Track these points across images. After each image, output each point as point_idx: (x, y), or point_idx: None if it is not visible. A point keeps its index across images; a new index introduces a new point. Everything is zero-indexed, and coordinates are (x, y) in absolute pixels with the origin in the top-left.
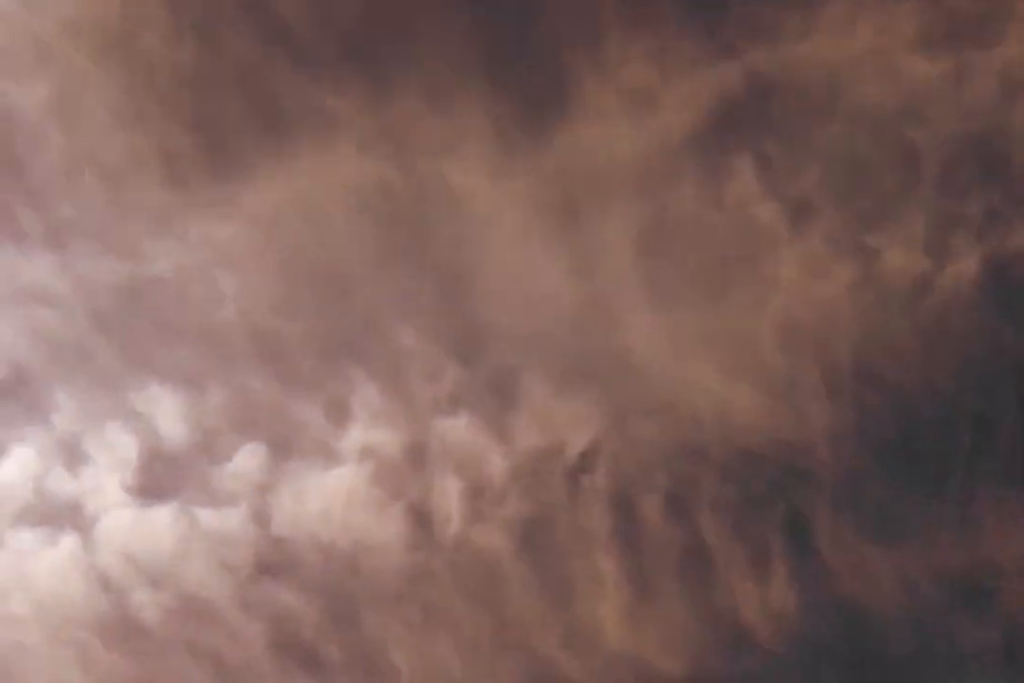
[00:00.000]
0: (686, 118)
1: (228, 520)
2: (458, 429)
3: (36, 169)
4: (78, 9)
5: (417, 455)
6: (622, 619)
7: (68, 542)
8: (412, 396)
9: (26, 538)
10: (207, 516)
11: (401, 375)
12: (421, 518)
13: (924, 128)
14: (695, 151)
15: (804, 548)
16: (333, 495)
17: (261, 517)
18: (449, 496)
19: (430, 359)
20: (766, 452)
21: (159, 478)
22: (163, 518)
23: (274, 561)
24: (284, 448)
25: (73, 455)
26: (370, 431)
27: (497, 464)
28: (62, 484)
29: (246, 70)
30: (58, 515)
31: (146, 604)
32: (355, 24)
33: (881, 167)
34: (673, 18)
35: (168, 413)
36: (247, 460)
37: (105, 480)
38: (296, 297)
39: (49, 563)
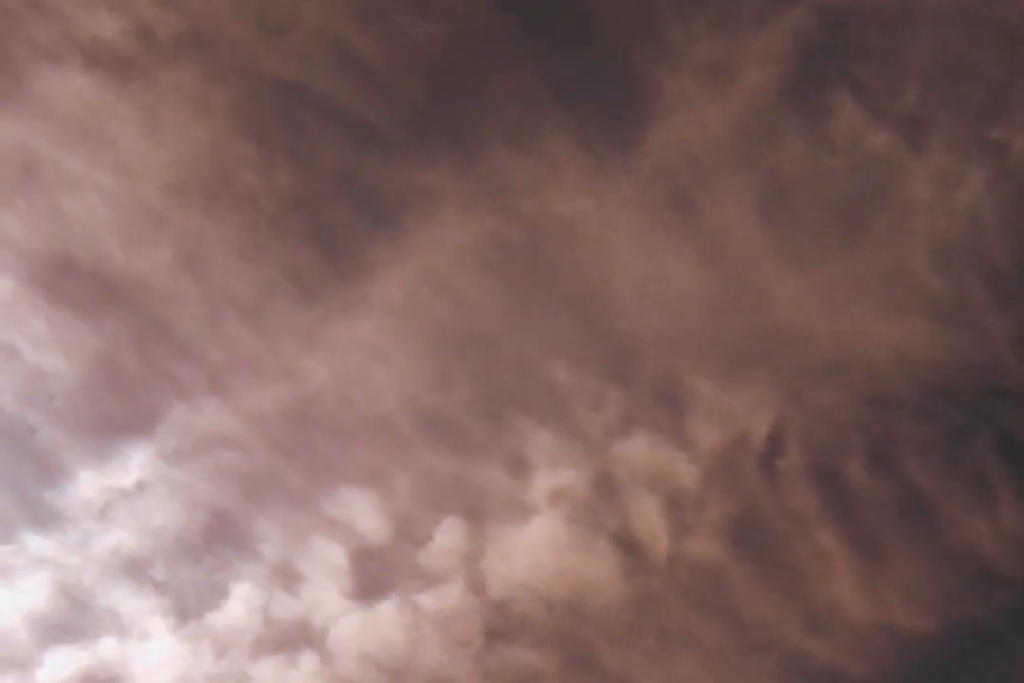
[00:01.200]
0: (768, 74)
1: (448, 598)
2: (638, 449)
3: (180, 324)
4: (175, 171)
5: (606, 485)
6: (859, 590)
7: (307, 660)
8: (584, 429)
9: (268, 667)
10: (427, 599)
11: (567, 412)
12: (629, 545)
13: (1013, 4)
14: (787, 103)
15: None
16: (538, 546)
17: (477, 586)
18: (649, 516)
19: (590, 388)
20: (956, 381)
21: (373, 576)
22: (388, 613)
23: (502, 625)
24: (478, 514)
25: (289, 577)
26: (554, 475)
27: (687, 471)
28: (286, 607)
29: (341, 176)
30: (290, 638)
31: None
32: (424, 99)
33: (980, 57)
34: None
35: (364, 512)
36: (448, 536)
37: (325, 592)
38: (449, 368)
39: None
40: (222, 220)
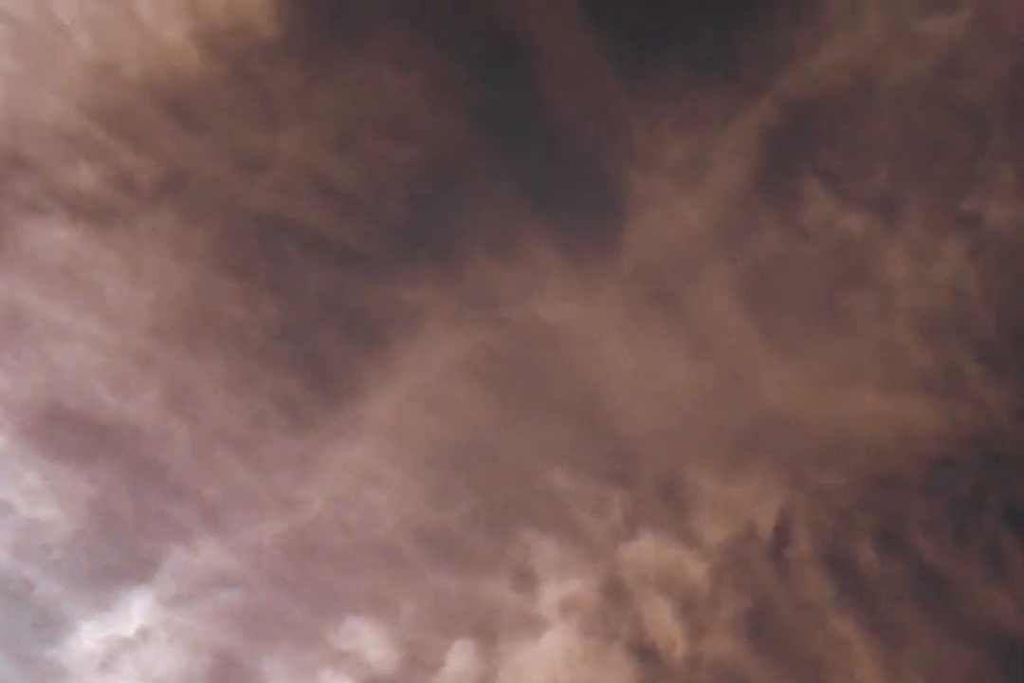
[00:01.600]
0: (738, 167)
1: None
2: (645, 550)
3: (172, 464)
4: (159, 312)
5: (615, 590)
6: (882, 675)
7: None
8: (589, 535)
9: None
10: None
11: (570, 518)
12: (644, 651)
13: (973, 79)
14: (760, 194)
15: None
16: (552, 660)
17: None
18: (663, 619)
19: (591, 492)
20: (958, 453)
21: None
22: None
23: None
24: (489, 633)
25: None
26: (562, 585)
27: (697, 569)
28: None
29: (326, 301)
30: None
31: None
32: (404, 218)
33: (945, 132)
34: (682, 79)
35: (372, 642)
36: (460, 659)
37: None
38: (447, 483)
39: None
40: (209, 356)
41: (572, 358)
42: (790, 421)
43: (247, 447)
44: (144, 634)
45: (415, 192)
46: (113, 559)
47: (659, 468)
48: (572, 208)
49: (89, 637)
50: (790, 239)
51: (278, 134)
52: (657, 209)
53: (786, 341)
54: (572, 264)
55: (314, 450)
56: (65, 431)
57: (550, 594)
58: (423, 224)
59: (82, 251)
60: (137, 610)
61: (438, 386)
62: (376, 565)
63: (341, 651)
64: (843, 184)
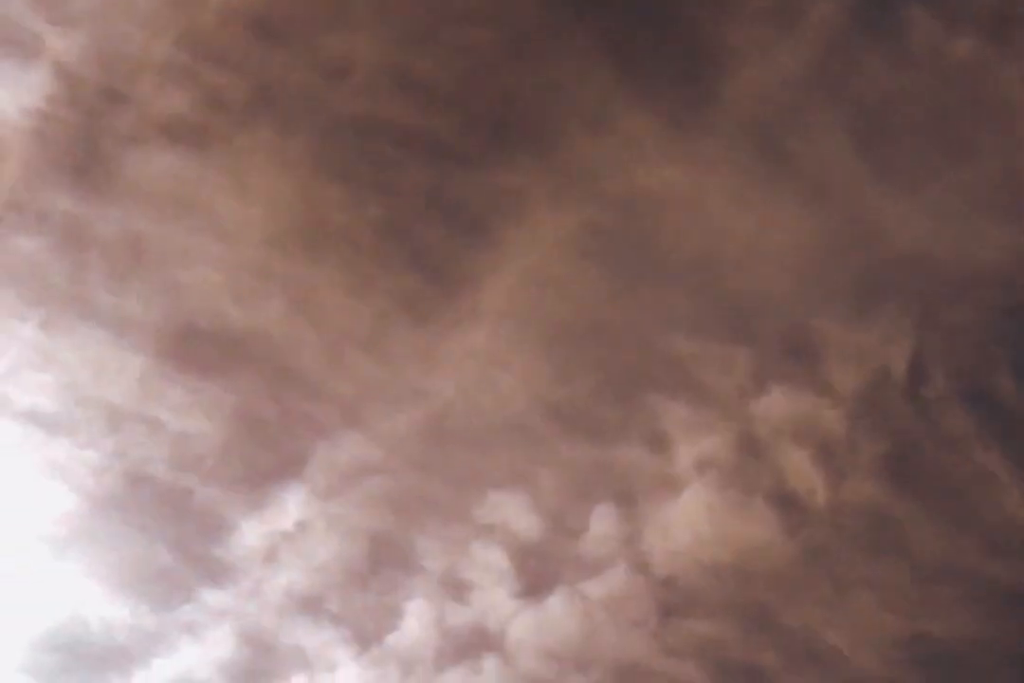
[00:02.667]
0: (834, 4)
1: (615, 582)
2: (777, 403)
3: (305, 367)
4: (271, 225)
5: (750, 445)
6: None
7: (489, 664)
8: (717, 395)
9: (454, 678)
10: (594, 587)
11: (697, 381)
12: (786, 501)
13: None
14: (859, 30)
15: None
16: (694, 517)
17: (641, 566)
18: (802, 468)
19: (716, 353)
20: None
21: (537, 573)
22: (558, 606)
23: (673, 600)
24: (628, 497)
25: (457, 587)
26: (696, 445)
27: (832, 417)
28: (460, 616)
29: (428, 197)
30: (470, 645)
31: None
32: (493, 105)
33: None
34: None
35: (516, 513)
36: (602, 523)
37: (494, 596)
38: (569, 361)
39: None
40: (324, 262)
41: (680, 223)
42: (915, 260)
43: (373, 345)
44: (302, 526)
45: (500, 78)
46: (263, 461)
47: (783, 321)
48: (664, 71)
49: (251, 534)
50: (896, 72)
51: (356, 37)
52: (753, 59)
53: (903, 179)
54: (669, 128)
55: (437, 341)
56: (200, 347)
57: (685, 454)
58: (513, 109)
59: (186, 174)
60: (292, 505)
61: (548, 267)
62: (511, 442)
63: (487, 524)
64: (948, 6)
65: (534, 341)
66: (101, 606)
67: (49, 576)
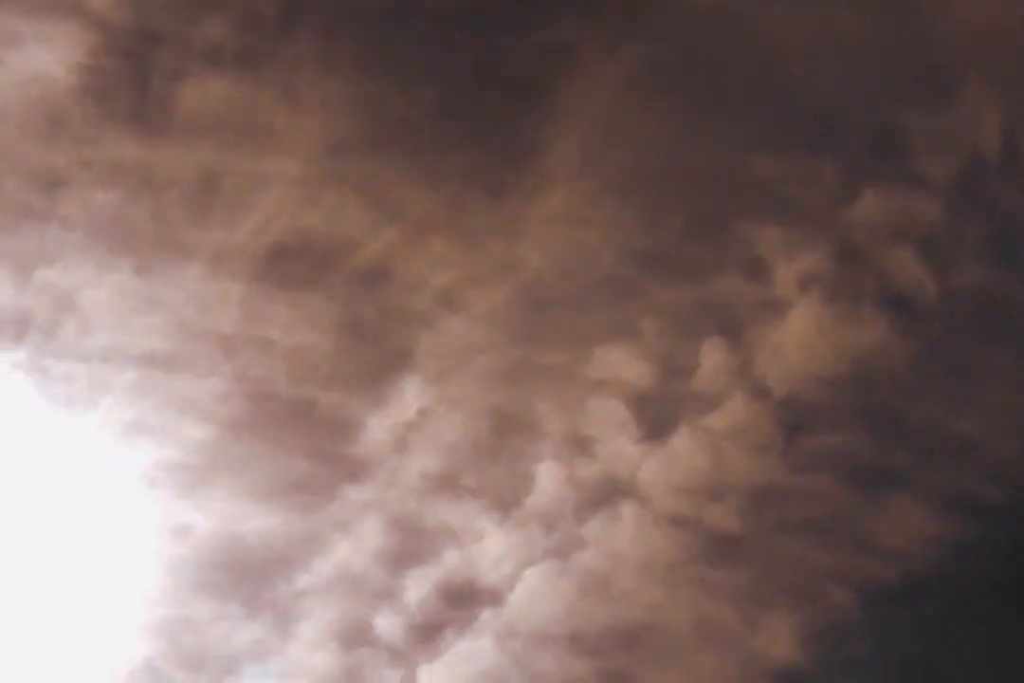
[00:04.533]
0: None
1: (735, 412)
2: (871, 206)
3: (395, 273)
4: (328, 133)
5: (850, 254)
6: None
7: (627, 510)
8: (809, 209)
9: (596, 527)
10: (715, 419)
11: (786, 199)
12: (896, 301)
13: None
14: None
15: None
16: (804, 334)
17: (759, 392)
18: (906, 265)
19: (802, 167)
20: None
21: (657, 417)
22: (683, 444)
23: (797, 419)
24: (734, 327)
25: (582, 443)
26: (794, 264)
27: (930, 209)
28: (590, 470)
29: (477, 71)
30: (605, 495)
31: None
32: None
33: None
34: None
35: (624, 364)
36: (713, 357)
37: (618, 445)
38: (652, 206)
39: None
40: (390, 157)
41: (738, 44)
42: (997, 36)
43: (454, 228)
44: (423, 413)
45: None
46: (374, 359)
47: (864, 122)
48: None
49: (377, 428)
50: None
51: None
52: None
53: None
54: None
55: (515, 213)
56: (291, 264)
57: (784, 275)
58: None
59: (240, 98)
60: (410, 395)
61: (611, 117)
62: (607, 298)
63: (600, 380)
64: None
65: (612, 194)
66: (253, 520)
67: (201, 503)
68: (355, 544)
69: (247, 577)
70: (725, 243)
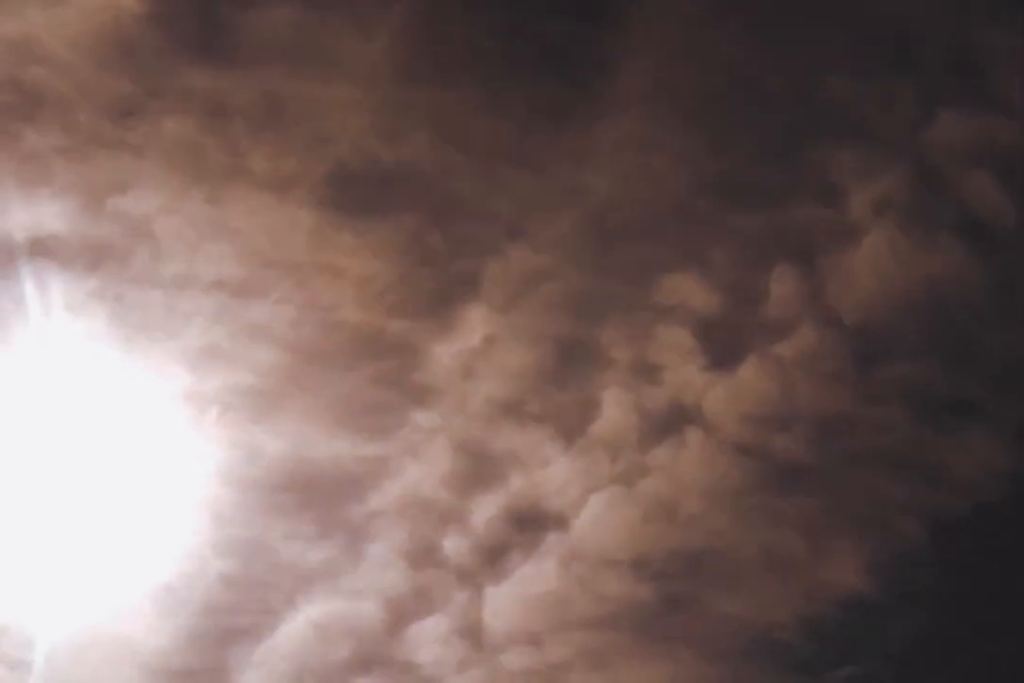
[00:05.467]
0: None
1: (805, 340)
2: (949, 129)
3: (463, 192)
4: (395, 60)
5: (928, 179)
6: None
7: (692, 436)
8: (886, 133)
9: (662, 454)
10: (784, 347)
11: (861, 122)
12: (974, 227)
13: None
14: None
15: None
16: (879, 263)
17: (830, 320)
18: (984, 191)
19: (878, 89)
20: None
21: (725, 345)
22: (752, 372)
23: (869, 348)
24: (805, 254)
25: (647, 371)
26: (869, 188)
27: (1009, 133)
28: (656, 398)
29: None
30: (670, 423)
31: None
32: None
33: None
34: None
35: (692, 291)
36: (783, 284)
37: (684, 373)
38: (723, 130)
39: None
40: (456, 83)
41: None
42: None
43: (521, 155)
44: (489, 340)
45: None
46: (441, 286)
47: (943, 41)
48: None
49: (444, 355)
50: None
51: None
52: None
53: None
54: None
55: (584, 138)
56: (359, 192)
57: (859, 201)
58: None
59: (305, 24)
60: (476, 322)
61: (684, 36)
62: (676, 225)
63: (667, 306)
64: None
65: (684, 118)
66: (324, 444)
67: (273, 426)
68: (423, 468)
69: (318, 499)
70: (798, 168)
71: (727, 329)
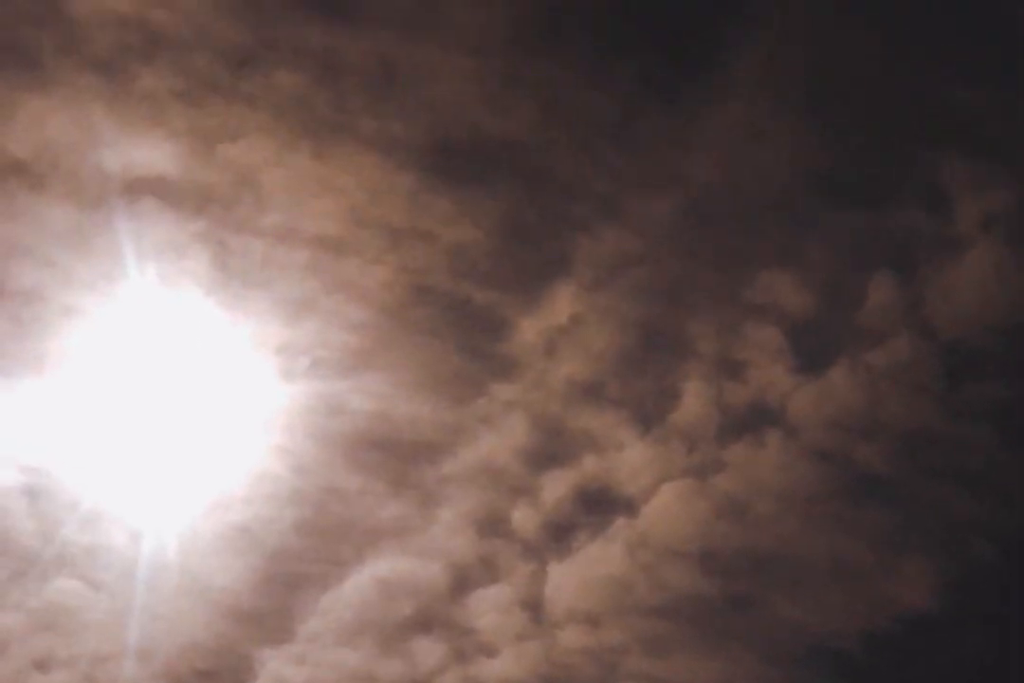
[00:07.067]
0: None
1: (898, 350)
2: None
3: (560, 167)
4: (510, 32)
5: None
6: None
7: (772, 438)
8: (1003, 142)
9: (737, 452)
10: (876, 356)
11: (980, 132)
12: None
13: None
14: None
15: None
16: (981, 277)
17: (925, 332)
18: None
19: (1001, 96)
20: None
21: (815, 348)
22: (840, 378)
23: (962, 365)
24: (907, 262)
25: (733, 367)
26: (981, 200)
27: None
28: (739, 395)
29: None
30: (751, 421)
31: None
32: None
33: None
34: None
35: (787, 290)
36: (881, 291)
37: (771, 373)
38: (833, 123)
39: None
40: (565, 56)
41: None
42: None
43: (624, 135)
44: (575, 320)
45: None
46: (532, 261)
47: None
48: None
49: (529, 331)
50: None
51: None
52: None
53: None
54: None
55: (690, 122)
56: (461, 160)
57: (968, 212)
58: None
59: None
60: (564, 300)
61: (806, 23)
62: (777, 219)
63: (759, 304)
64: None
65: (795, 108)
66: (405, 405)
67: (358, 384)
68: (498, 439)
69: (394, 458)
70: (908, 172)
71: (819, 332)
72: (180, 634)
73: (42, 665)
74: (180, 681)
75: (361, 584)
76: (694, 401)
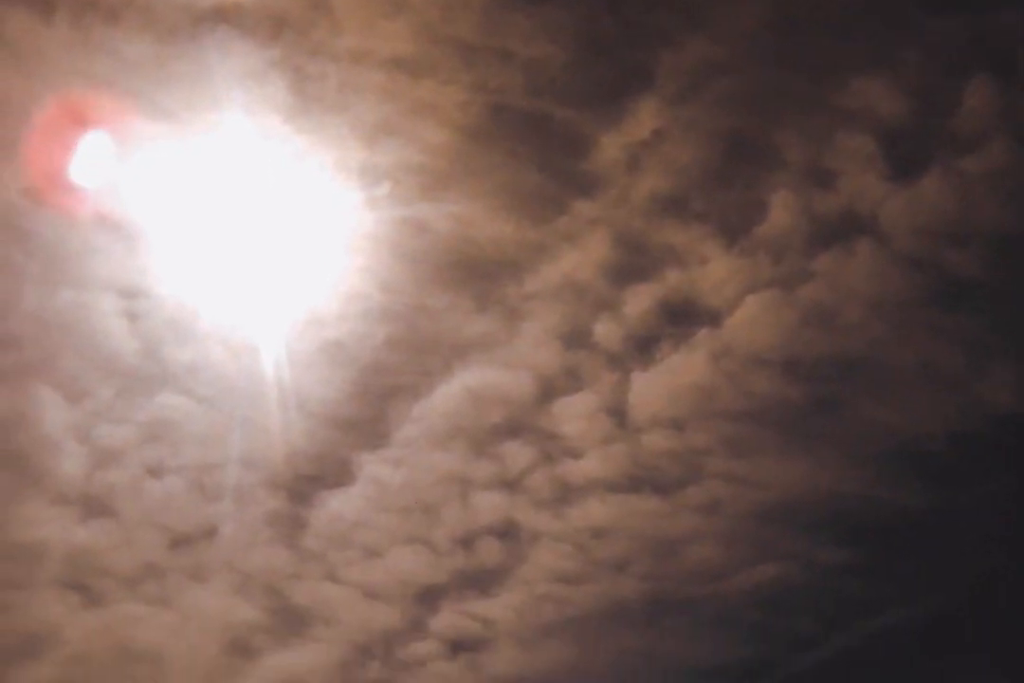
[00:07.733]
0: None
1: (994, 156)
2: None
3: None
4: None
5: None
6: None
7: (863, 246)
8: None
9: (826, 261)
10: (971, 162)
11: None
12: None
13: None
14: None
15: None
16: None
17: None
18: None
19: None
20: None
21: (908, 155)
22: (933, 185)
23: None
24: (1007, 67)
25: (823, 176)
26: None
27: None
28: (829, 204)
29: None
30: (841, 230)
31: None
32: None
33: None
34: None
35: (880, 96)
36: (978, 97)
37: (863, 181)
38: None
39: None
40: None
41: None
42: None
43: None
44: (659, 134)
45: None
46: (613, 76)
47: None
48: None
49: (611, 147)
50: None
51: None
52: None
53: None
54: None
55: None
56: None
57: None
58: None
59: None
60: (646, 114)
61: None
62: (869, 21)
63: (850, 111)
64: None
65: None
66: (487, 224)
67: (439, 205)
68: (581, 256)
69: (479, 275)
70: None
71: (912, 138)
72: (283, 443)
73: (155, 472)
74: (284, 486)
75: (451, 393)
76: (782, 212)
